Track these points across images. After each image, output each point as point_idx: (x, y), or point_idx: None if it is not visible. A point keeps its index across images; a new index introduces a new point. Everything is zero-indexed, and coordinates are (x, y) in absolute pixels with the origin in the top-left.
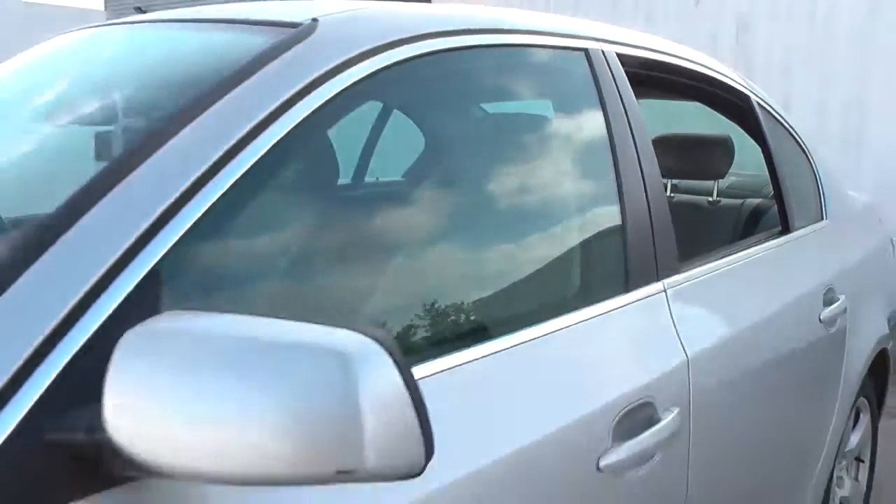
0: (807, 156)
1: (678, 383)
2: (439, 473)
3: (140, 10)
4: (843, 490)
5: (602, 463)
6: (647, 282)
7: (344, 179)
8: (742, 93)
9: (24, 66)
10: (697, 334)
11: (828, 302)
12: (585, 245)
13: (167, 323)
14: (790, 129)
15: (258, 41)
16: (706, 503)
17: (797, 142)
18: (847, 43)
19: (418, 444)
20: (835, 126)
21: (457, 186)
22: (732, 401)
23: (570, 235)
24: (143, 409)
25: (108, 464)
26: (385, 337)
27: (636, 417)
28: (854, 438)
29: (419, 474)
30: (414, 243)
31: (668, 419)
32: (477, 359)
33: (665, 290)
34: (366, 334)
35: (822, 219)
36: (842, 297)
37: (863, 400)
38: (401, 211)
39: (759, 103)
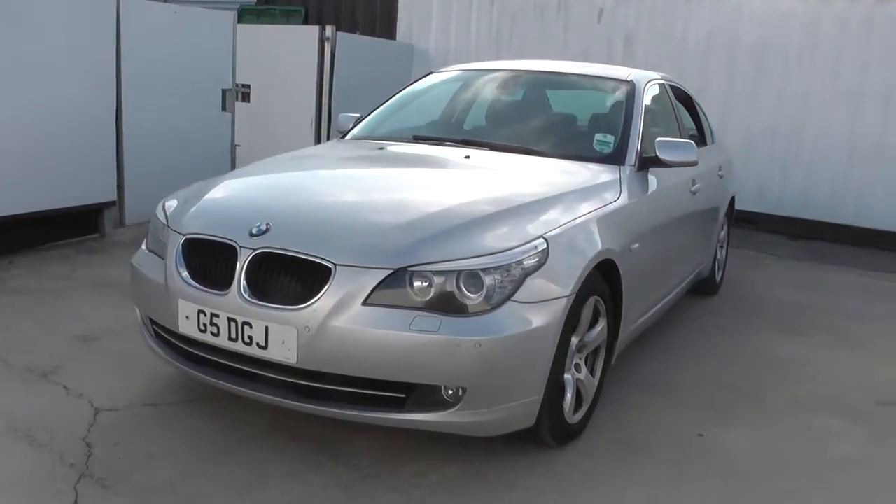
0: (706, 118)
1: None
2: None
3: None
4: (719, 255)
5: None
6: None
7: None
8: (691, 98)
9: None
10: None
11: (719, 169)
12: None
13: None
14: (702, 111)
15: (619, 84)
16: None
17: (704, 114)
18: (695, 52)
19: None
20: None
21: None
22: (696, 200)
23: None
24: None
25: None
26: None
27: None
28: (722, 234)
29: None
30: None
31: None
32: None
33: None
34: None
35: (712, 143)
36: (723, 170)
37: (725, 217)
38: None
39: (695, 101)
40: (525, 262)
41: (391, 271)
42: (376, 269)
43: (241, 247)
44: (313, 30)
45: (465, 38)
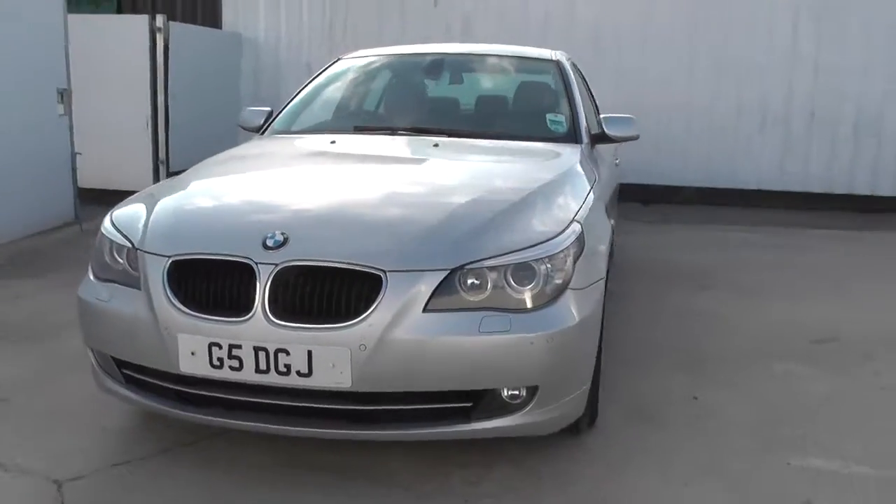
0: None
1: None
2: None
3: None
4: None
5: None
6: None
7: None
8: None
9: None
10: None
11: None
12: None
13: None
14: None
15: (547, 64)
16: None
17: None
18: (535, 32)
19: None
20: None
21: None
22: (617, 173)
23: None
24: None
25: None
26: None
27: None
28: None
29: None
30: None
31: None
32: None
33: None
34: None
35: None
36: None
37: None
38: None
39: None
40: (571, 248)
41: (448, 272)
42: (432, 271)
43: (257, 263)
44: (142, 20)
45: (296, 26)
